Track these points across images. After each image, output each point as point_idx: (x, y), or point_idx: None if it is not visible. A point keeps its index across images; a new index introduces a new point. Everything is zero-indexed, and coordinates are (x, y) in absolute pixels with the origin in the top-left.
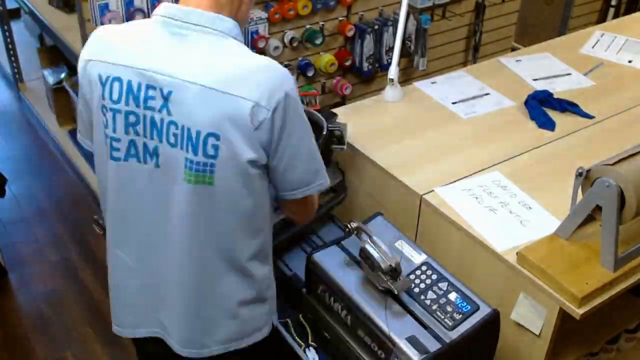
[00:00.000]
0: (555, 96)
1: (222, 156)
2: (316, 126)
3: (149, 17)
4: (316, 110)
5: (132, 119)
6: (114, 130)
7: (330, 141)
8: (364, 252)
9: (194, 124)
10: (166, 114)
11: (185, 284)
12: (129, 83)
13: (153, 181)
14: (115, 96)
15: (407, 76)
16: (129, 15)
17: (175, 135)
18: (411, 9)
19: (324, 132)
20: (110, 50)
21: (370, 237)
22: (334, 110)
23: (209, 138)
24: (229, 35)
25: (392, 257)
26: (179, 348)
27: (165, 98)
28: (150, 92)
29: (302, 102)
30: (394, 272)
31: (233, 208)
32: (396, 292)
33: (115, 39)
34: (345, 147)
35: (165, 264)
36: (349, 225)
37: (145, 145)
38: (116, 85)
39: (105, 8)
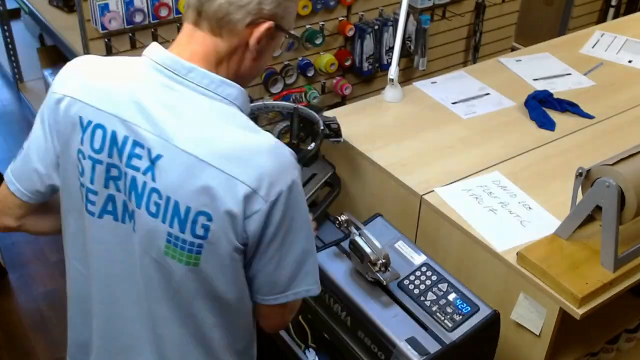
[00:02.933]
0: (555, 96)
1: (212, 238)
2: (310, 123)
3: (149, 17)
4: (304, 106)
5: (114, 172)
6: (91, 182)
7: (327, 135)
8: (353, 244)
9: (183, 199)
10: (150, 178)
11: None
12: (114, 134)
13: (128, 245)
14: (97, 145)
15: (407, 76)
16: (129, 15)
17: (157, 204)
18: (411, 9)
19: (321, 127)
20: (93, 91)
21: (359, 229)
22: (334, 110)
23: (200, 217)
24: (233, 103)
25: (381, 249)
26: None
27: (152, 161)
28: (137, 150)
29: (290, 99)
30: (383, 263)
31: (214, 295)
32: (385, 283)
33: (99, 79)
34: (342, 139)
35: (130, 330)
36: (338, 218)
37: (125, 204)
38: (99, 133)
39: (105, 8)
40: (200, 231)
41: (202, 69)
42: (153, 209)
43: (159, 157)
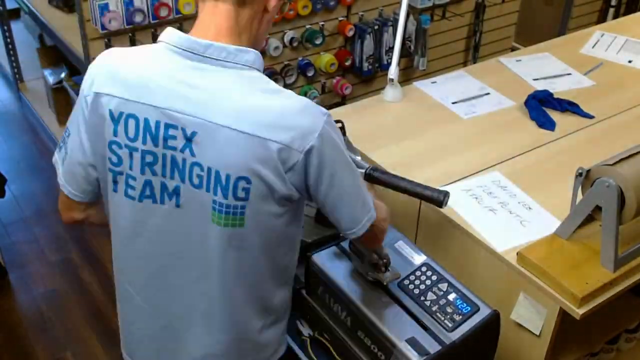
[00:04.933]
0: (555, 96)
1: (253, 198)
2: None
3: (148, 17)
4: None
5: (149, 158)
6: (131, 168)
7: None
8: (353, 244)
9: (223, 167)
10: (189, 154)
11: (208, 324)
12: (147, 121)
13: (171, 222)
14: (131, 134)
15: (407, 76)
16: (129, 15)
17: (199, 176)
18: (411, 9)
19: None
20: (121, 83)
21: None
22: (334, 110)
23: (240, 181)
24: (252, 67)
25: (381, 249)
26: None
27: (189, 139)
28: (171, 132)
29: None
30: (383, 263)
31: (264, 249)
32: (385, 283)
33: (124, 70)
34: (346, 137)
35: (181, 304)
36: None
37: (163, 185)
38: (132, 122)
39: (105, 8)
40: (241, 194)
41: (218, 44)
42: (196, 180)
43: (194, 134)
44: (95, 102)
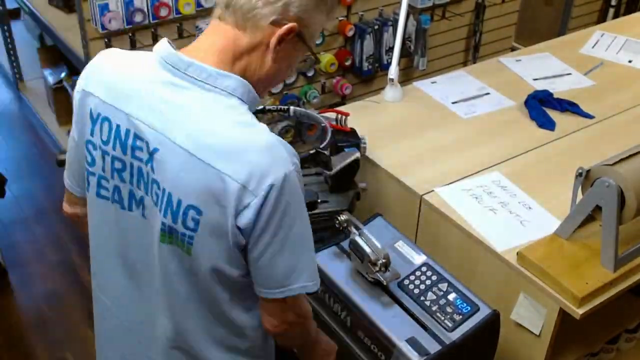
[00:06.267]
0: (555, 96)
1: (202, 231)
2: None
3: (149, 17)
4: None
5: (117, 165)
6: (103, 170)
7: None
8: (353, 244)
9: (175, 191)
10: (150, 169)
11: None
12: (118, 128)
13: (138, 231)
14: (104, 137)
15: (407, 76)
16: (129, 15)
17: (157, 194)
18: (411, 9)
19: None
20: (104, 85)
21: (359, 229)
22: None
23: (190, 210)
24: (232, 95)
25: (381, 249)
26: None
27: (151, 154)
28: (138, 142)
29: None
30: (383, 263)
31: (217, 279)
32: (385, 283)
33: (111, 73)
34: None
35: (148, 306)
36: (338, 218)
37: (131, 193)
38: (105, 125)
39: (105, 8)
40: (190, 223)
41: (200, 63)
42: (154, 198)
43: (155, 150)
44: (82, 99)
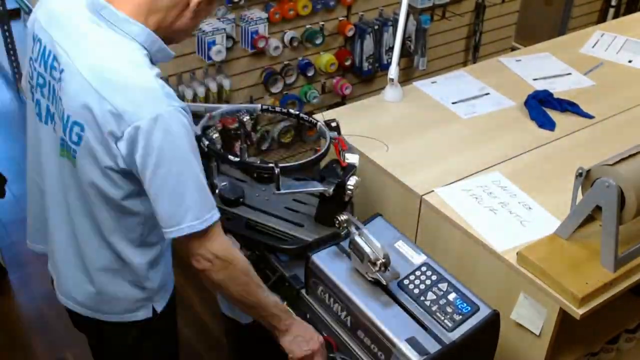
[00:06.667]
0: (555, 96)
1: (83, 147)
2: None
3: None
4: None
5: (40, 80)
6: (36, 83)
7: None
8: (353, 244)
9: (68, 109)
10: (60, 88)
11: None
12: (44, 48)
13: (49, 143)
14: (35, 55)
15: (407, 76)
16: None
17: (61, 111)
18: (411, 9)
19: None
20: (46, 13)
21: (359, 229)
22: (334, 110)
23: (75, 126)
24: (135, 40)
25: (381, 249)
26: (59, 295)
27: (60, 73)
28: (55, 63)
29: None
30: (383, 263)
31: (101, 198)
32: (385, 283)
33: (55, 3)
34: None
35: (54, 214)
36: (338, 218)
37: (47, 108)
38: (37, 45)
39: None
40: (75, 138)
41: (112, 8)
42: (60, 114)
43: (62, 71)
44: (32, 22)
